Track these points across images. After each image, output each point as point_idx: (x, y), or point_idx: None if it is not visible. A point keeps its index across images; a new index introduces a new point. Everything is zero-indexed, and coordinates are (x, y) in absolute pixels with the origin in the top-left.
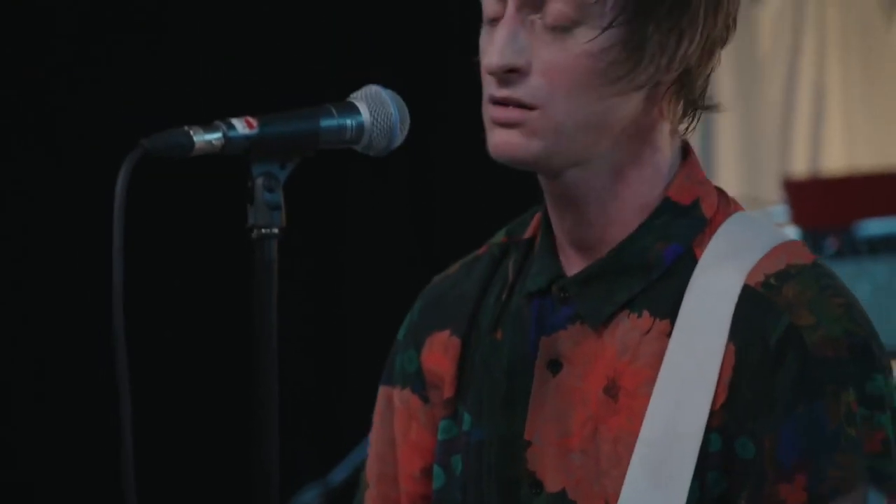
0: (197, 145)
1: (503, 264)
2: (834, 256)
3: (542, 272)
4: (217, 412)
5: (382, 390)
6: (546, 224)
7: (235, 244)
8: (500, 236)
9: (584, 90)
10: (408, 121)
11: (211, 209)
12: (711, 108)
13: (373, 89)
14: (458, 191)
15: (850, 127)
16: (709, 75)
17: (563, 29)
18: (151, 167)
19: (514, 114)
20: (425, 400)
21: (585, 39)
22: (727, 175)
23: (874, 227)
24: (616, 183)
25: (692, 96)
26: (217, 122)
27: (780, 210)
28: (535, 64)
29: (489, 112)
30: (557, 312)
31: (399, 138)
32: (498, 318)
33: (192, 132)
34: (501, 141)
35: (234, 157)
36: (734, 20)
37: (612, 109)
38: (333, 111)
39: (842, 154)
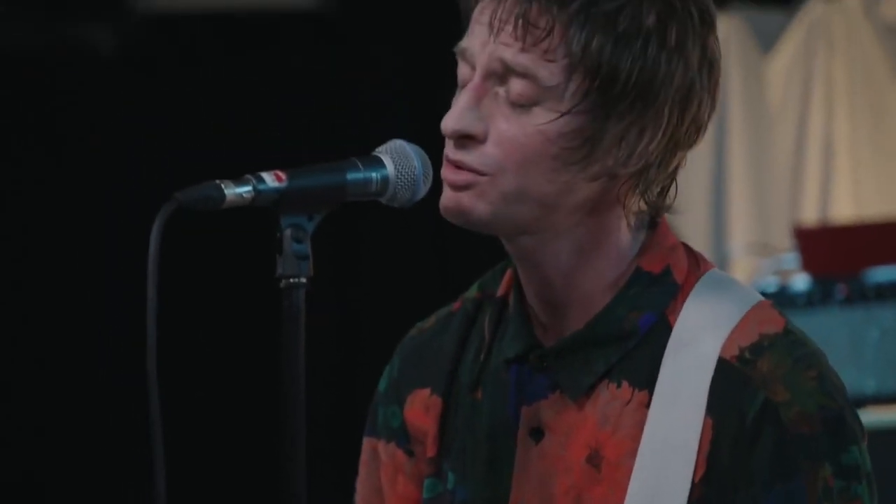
0: (228, 198)
1: (478, 321)
2: (843, 302)
3: (517, 338)
4: (245, 456)
5: (367, 441)
6: (518, 282)
7: (264, 294)
8: (473, 291)
9: (534, 168)
10: (431, 174)
11: (240, 259)
12: (670, 208)
13: (397, 143)
14: (479, 239)
15: (857, 177)
16: (672, 175)
17: (521, 106)
18: (184, 219)
19: (464, 176)
20: (410, 454)
21: (542, 121)
22: (739, 223)
23: (882, 274)
24: (577, 259)
25: (650, 196)
26: (247, 176)
27: (791, 257)
28: (491, 133)
29: (443, 171)
30: (536, 380)
31: (423, 190)
32: (477, 379)
33: (223, 185)
34: (451, 202)
35: (264, 209)
36: (704, 126)
37: (563, 191)
38: (359, 165)
39: (850, 203)
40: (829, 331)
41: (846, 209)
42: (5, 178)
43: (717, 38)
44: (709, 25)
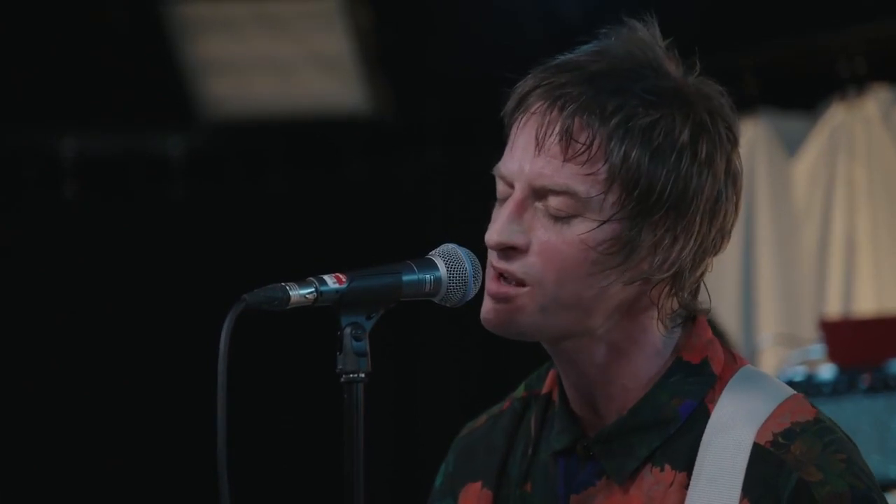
0: (293, 299)
1: (525, 418)
2: (867, 391)
3: (564, 431)
4: None
5: None
6: (561, 380)
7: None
8: (520, 391)
9: (574, 274)
10: (480, 275)
11: (305, 356)
12: (703, 310)
13: (449, 247)
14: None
15: (878, 272)
16: (699, 279)
17: (561, 218)
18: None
19: (505, 290)
20: None
21: (582, 230)
22: (768, 315)
23: None
24: (614, 357)
25: (682, 297)
26: (310, 278)
27: (817, 348)
28: (533, 243)
29: (487, 282)
30: (584, 469)
31: (473, 291)
32: (527, 472)
33: (288, 287)
34: (491, 314)
35: (326, 308)
36: (729, 234)
37: (600, 296)
38: (414, 267)
39: (872, 297)
40: (854, 418)
41: (868, 302)
42: (86, 276)
43: (739, 155)
44: (734, 143)
